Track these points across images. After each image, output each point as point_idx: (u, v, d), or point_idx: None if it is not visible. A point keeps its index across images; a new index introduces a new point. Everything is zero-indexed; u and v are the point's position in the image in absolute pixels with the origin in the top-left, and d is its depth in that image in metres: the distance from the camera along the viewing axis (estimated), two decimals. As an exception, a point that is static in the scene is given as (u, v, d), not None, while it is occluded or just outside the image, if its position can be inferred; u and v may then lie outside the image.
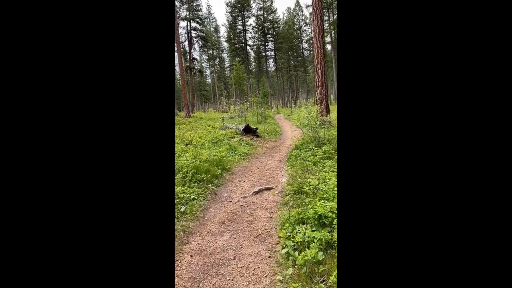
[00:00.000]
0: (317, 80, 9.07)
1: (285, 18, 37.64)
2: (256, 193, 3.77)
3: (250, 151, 6.64)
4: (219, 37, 40.29)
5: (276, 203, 3.27)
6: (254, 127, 8.67)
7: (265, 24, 33.08)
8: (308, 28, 34.10)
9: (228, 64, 37.76)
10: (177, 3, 23.64)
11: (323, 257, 1.83)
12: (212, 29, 39.17)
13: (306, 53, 35.47)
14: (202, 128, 10.84)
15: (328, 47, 27.55)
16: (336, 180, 3.04)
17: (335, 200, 2.48)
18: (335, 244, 1.91)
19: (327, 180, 3.23)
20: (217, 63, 40.00)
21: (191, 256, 2.27)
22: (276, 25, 33.75)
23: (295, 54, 35.22)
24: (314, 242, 1.99)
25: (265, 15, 32.99)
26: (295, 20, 35.14)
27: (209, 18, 38.99)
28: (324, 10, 21.47)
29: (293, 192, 3.30)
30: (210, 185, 4.07)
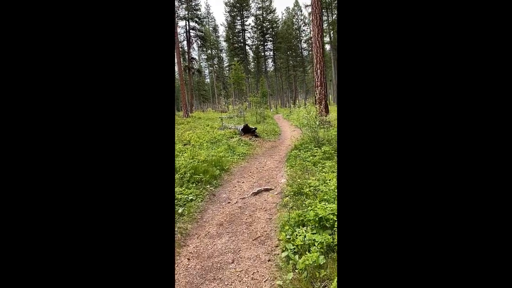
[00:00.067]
0: (316, 80, 9.02)
1: (284, 18, 37.60)
2: (255, 194, 3.71)
3: (249, 151, 6.58)
4: (218, 36, 40.22)
5: (276, 205, 3.22)
6: (253, 127, 8.62)
7: (264, 24, 33.03)
8: (307, 28, 34.09)
9: (227, 63, 37.70)
10: (175, 3, 23.56)
11: (324, 261, 1.78)
12: (211, 28, 39.08)
13: (305, 53, 35.47)
14: (200, 128, 10.77)
15: (327, 47, 27.52)
16: (336, 181, 2.99)
17: (336, 201, 2.43)
18: (337, 248, 1.86)
19: (328, 181, 3.18)
20: (216, 62, 39.91)
21: (188, 259, 2.22)
22: (275, 25, 33.70)
23: (294, 54, 35.20)
24: (315, 245, 1.93)
25: (264, 15, 32.94)
26: (294, 20, 35.12)
27: (208, 18, 38.90)
28: (323, 10, 21.45)
29: (292, 193, 3.25)
30: (208, 186, 4.01)
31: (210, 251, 2.31)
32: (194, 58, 28.34)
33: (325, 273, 1.71)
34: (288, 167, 4.71)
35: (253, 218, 2.93)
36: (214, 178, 4.34)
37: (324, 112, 8.34)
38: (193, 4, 25.83)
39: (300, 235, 2.11)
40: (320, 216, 2.16)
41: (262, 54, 34.38)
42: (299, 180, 3.53)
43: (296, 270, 1.81)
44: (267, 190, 3.83)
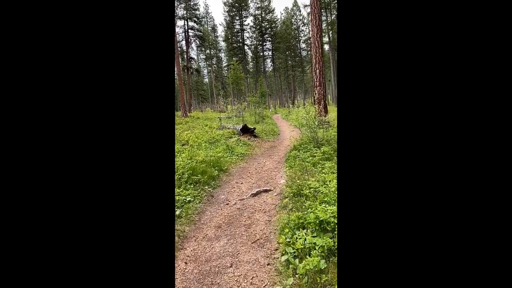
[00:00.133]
0: (315, 80, 8.99)
1: (283, 18, 37.58)
2: (254, 195, 3.66)
3: (248, 151, 6.53)
4: (217, 36, 40.13)
5: (275, 206, 3.16)
6: (252, 127, 8.56)
7: (263, 24, 32.98)
8: (306, 28, 34.09)
9: (226, 63, 37.63)
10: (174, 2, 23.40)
11: (326, 266, 1.73)
12: (209, 28, 38.99)
13: (304, 53, 35.45)
14: (199, 128, 10.70)
15: (326, 47, 27.52)
16: (336, 182, 2.94)
17: (337, 203, 2.38)
18: (338, 251, 1.81)
19: (328, 183, 3.13)
20: (214, 62, 39.82)
21: (185, 263, 2.16)
22: (274, 25, 33.66)
23: (292, 54, 35.17)
24: (315, 249, 1.88)
25: (263, 15, 32.89)
26: (293, 20, 35.09)
27: (207, 18, 38.80)
28: (322, 10, 21.45)
29: (292, 194, 3.20)
30: (206, 187, 3.96)
31: (208, 255, 2.25)
32: (193, 58, 28.26)
33: (326, 278, 1.66)
34: (287, 168, 4.66)
35: (252, 220, 2.88)
36: (213, 179, 4.28)
37: (323, 112, 8.30)
38: (192, 3, 25.74)
39: (300, 238, 2.06)
40: (321, 219, 2.11)
41: (261, 54, 34.34)
42: (298, 181, 3.48)
43: (297, 275, 1.75)
44: (266, 191, 3.77)
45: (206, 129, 10.08)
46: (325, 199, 2.58)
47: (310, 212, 2.31)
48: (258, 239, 2.45)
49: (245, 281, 1.87)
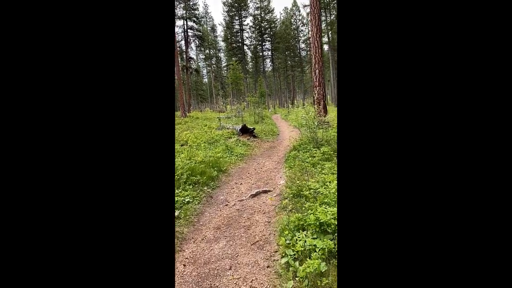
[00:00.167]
0: (315, 80, 8.97)
1: (282, 18, 37.54)
2: (254, 196, 3.63)
3: (247, 152, 6.50)
4: (216, 36, 40.07)
5: (274, 207, 3.14)
6: (251, 127, 8.54)
7: (262, 24, 32.95)
8: (305, 28, 34.08)
9: (225, 63, 37.58)
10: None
11: (326, 268, 1.70)
12: (209, 28, 38.94)
13: (303, 53, 35.45)
14: (198, 128, 10.67)
15: (325, 47, 27.51)
16: (336, 183, 2.92)
17: (337, 205, 2.36)
18: (338, 254, 1.78)
19: (328, 183, 3.11)
20: (214, 62, 39.77)
21: (184, 265, 2.13)
22: (273, 25, 33.64)
23: (292, 54, 35.15)
24: (315, 251, 1.86)
25: (262, 15, 32.86)
26: (292, 20, 35.07)
27: (206, 17, 38.74)
28: (321, 10, 21.41)
29: (292, 195, 3.18)
30: (205, 188, 3.93)
31: (206, 257, 2.22)
32: (192, 58, 28.19)
33: (327, 281, 1.64)
34: (286, 168, 4.64)
35: (251, 221, 2.85)
36: (212, 179, 4.25)
37: (323, 112, 8.28)
38: (191, 3, 25.69)
39: (300, 240, 2.04)
40: (321, 221, 2.08)
41: (260, 54, 34.31)
42: (298, 182, 3.46)
43: (297, 278, 1.73)
44: (265, 192, 3.75)
45: (205, 129, 10.05)
46: (325, 200, 2.55)
47: (310, 214, 2.29)
48: (258, 240, 2.42)
49: (245, 284, 1.84)
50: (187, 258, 2.23)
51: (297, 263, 1.83)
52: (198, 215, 3.12)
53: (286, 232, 2.20)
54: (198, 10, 26.61)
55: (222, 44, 38.30)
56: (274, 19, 33.85)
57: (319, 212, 2.22)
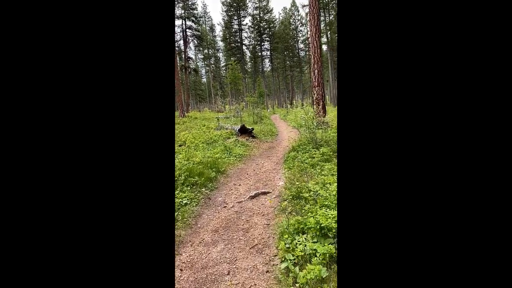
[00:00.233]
0: (314, 80, 8.93)
1: (281, 18, 37.50)
2: (252, 197, 3.58)
3: (246, 152, 6.45)
4: (215, 36, 39.96)
5: (274, 209, 3.09)
6: (250, 128, 8.48)
7: (261, 24, 32.90)
8: (304, 29, 34.07)
9: (224, 63, 37.52)
10: (172, 1, 23.22)
11: (327, 274, 1.66)
12: (207, 28, 38.83)
13: (302, 53, 35.42)
14: (196, 128, 10.60)
15: (324, 47, 27.50)
16: (336, 185, 2.87)
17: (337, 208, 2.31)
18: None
19: (327, 185, 3.06)
20: (212, 62, 39.67)
21: (181, 270, 2.08)
22: (272, 25, 33.59)
23: (291, 54, 35.11)
24: (316, 256, 1.81)
25: (261, 15, 32.81)
26: (291, 20, 35.04)
27: (205, 17, 38.63)
28: (320, 11, 21.39)
29: (291, 197, 3.13)
30: (203, 189, 3.87)
31: (204, 261, 2.17)
32: (191, 58, 28.11)
33: None
34: (286, 169, 4.59)
35: (250, 224, 2.80)
36: (210, 180, 4.20)
37: (322, 112, 8.25)
38: (190, 3, 25.60)
39: (300, 244, 1.99)
40: (322, 225, 2.03)
41: (259, 54, 34.26)
42: (297, 183, 3.41)
43: (297, 284, 1.68)
44: (264, 193, 3.70)
45: (204, 129, 9.98)
46: (326, 203, 2.51)
47: (310, 217, 2.24)
48: (257, 244, 2.37)
49: (243, 290, 1.79)
50: (184, 262, 2.18)
51: (297, 268, 1.78)
52: (196, 217, 3.06)
53: (286, 236, 2.15)
54: (196, 10, 26.50)
55: (220, 44, 38.22)
56: (273, 19, 33.82)
57: (319, 215, 2.17)
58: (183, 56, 25.18)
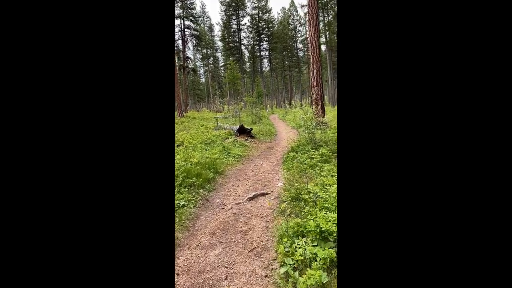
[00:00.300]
0: (313, 80, 8.89)
1: (279, 18, 37.48)
2: (251, 199, 3.53)
3: (245, 152, 6.40)
4: (213, 36, 39.86)
5: (272, 211, 3.04)
6: (249, 128, 8.43)
7: (260, 24, 32.85)
8: (303, 29, 34.05)
9: (223, 63, 37.43)
10: (170, 1, 23.11)
11: (328, 279, 1.61)
12: (206, 28, 38.73)
13: (301, 53, 35.40)
14: (195, 128, 10.53)
15: (323, 47, 27.47)
16: (336, 187, 2.83)
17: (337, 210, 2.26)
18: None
19: (327, 187, 3.01)
20: (211, 62, 39.57)
21: (177, 274, 2.02)
22: (271, 25, 33.55)
23: (289, 54, 35.08)
24: (316, 260, 1.76)
25: (260, 15, 32.77)
26: (290, 20, 35.02)
27: (203, 17, 38.52)
28: (319, 11, 21.32)
29: (290, 198, 3.08)
30: (201, 190, 3.82)
31: (201, 265, 2.11)
32: (189, 57, 28.01)
33: (328, 293, 1.54)
34: (285, 170, 4.54)
35: (248, 226, 2.75)
36: (208, 181, 4.14)
37: (321, 113, 8.21)
38: (188, 2, 25.50)
39: (299, 248, 1.94)
40: (322, 229, 1.98)
41: (258, 54, 34.20)
42: (296, 184, 3.36)
43: (297, 290, 1.63)
44: (263, 194, 3.65)
45: (202, 129, 9.92)
46: (325, 205, 2.46)
47: (310, 220, 2.19)
48: (255, 247, 2.32)
49: (241, 296, 1.74)
50: (180, 266, 2.12)
51: (296, 273, 1.73)
52: (193, 219, 3.01)
53: (285, 239, 2.10)
54: (195, 10, 26.43)
55: (219, 43, 38.12)
56: (272, 19, 33.78)
57: (319, 218, 2.12)
58: (182, 55, 25.08)
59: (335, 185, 2.95)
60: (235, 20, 32.53)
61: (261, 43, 34.06)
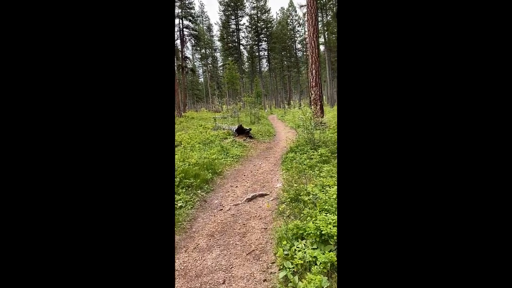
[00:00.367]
0: (311, 80, 8.86)
1: (278, 18, 37.48)
2: (250, 200, 3.48)
3: (243, 153, 6.35)
4: (212, 36, 39.79)
5: (271, 212, 3.00)
6: (247, 128, 8.39)
7: (259, 24, 32.82)
8: (302, 29, 34.07)
9: (221, 63, 37.38)
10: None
11: (328, 284, 1.56)
12: (205, 27, 38.65)
13: (299, 53, 35.40)
14: (193, 128, 10.47)
15: (321, 48, 27.47)
16: (336, 187, 2.79)
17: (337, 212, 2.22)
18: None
19: (327, 188, 2.97)
20: (209, 62, 39.50)
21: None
22: (270, 25, 33.53)
23: (288, 54, 35.08)
24: (316, 264, 1.72)
25: (259, 15, 32.74)
26: (289, 20, 35.01)
27: (202, 17, 38.45)
28: (317, 11, 21.34)
29: (289, 199, 3.04)
30: (199, 191, 3.77)
31: (199, 268, 2.06)
32: (188, 57, 27.90)
33: (329, 298, 1.50)
34: (283, 171, 4.50)
35: (247, 228, 2.70)
36: (206, 182, 4.09)
37: (320, 113, 8.18)
38: (187, 2, 25.43)
39: (299, 251, 1.89)
40: (323, 232, 1.94)
41: (257, 54, 34.16)
42: (295, 185, 3.32)
43: (296, 295, 1.58)
44: (262, 195, 3.60)
45: (200, 129, 9.86)
46: (325, 206, 2.42)
47: (310, 222, 2.15)
48: (254, 250, 2.27)
49: (239, 301, 1.69)
50: (177, 269, 2.07)
51: (296, 277, 1.68)
52: (191, 221, 2.96)
53: (284, 242, 2.06)
54: (193, 9, 26.36)
55: (218, 43, 38.05)
56: (271, 19, 33.76)
57: (319, 220, 2.08)
58: (180, 55, 25.01)
59: (335, 186, 2.91)
60: (234, 20, 32.48)
61: (260, 43, 34.03)
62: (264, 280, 1.84)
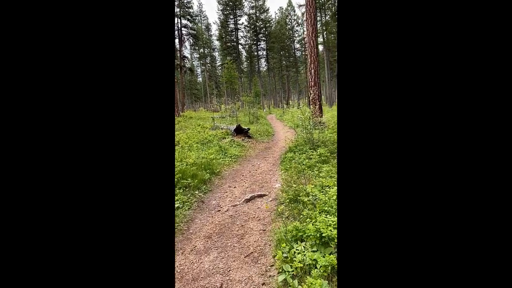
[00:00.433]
0: (310, 80, 8.82)
1: (277, 17, 37.40)
2: (248, 200, 3.43)
3: (242, 153, 6.30)
4: (211, 35, 39.68)
5: (270, 213, 2.95)
6: (246, 128, 8.34)
7: (257, 23, 32.74)
8: (300, 29, 34.03)
9: (220, 63, 37.28)
10: None
11: (329, 288, 1.52)
12: (203, 27, 38.53)
13: (298, 53, 35.36)
14: (191, 127, 10.40)
15: (320, 47, 27.44)
16: (336, 188, 2.74)
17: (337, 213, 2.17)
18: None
19: (326, 188, 2.93)
20: (208, 61, 39.38)
21: (170, 282, 1.92)
22: (268, 24, 33.45)
23: (287, 54, 35.02)
24: (316, 267, 1.67)
25: (257, 14, 32.65)
26: (287, 20, 34.96)
27: (200, 16, 38.33)
28: (316, 10, 21.29)
29: (288, 200, 2.99)
30: (197, 192, 3.71)
31: (195, 271, 2.01)
32: (186, 57, 27.79)
33: (330, 303, 1.45)
34: (282, 171, 4.46)
35: (245, 229, 2.65)
36: (204, 182, 4.04)
37: (319, 113, 8.14)
38: (185, 1, 25.31)
39: (298, 253, 1.85)
40: (323, 234, 1.89)
41: (255, 53, 34.08)
42: (294, 186, 3.28)
43: (296, 300, 1.54)
44: (260, 196, 3.55)
45: (199, 129, 9.79)
46: (325, 207, 2.37)
47: (309, 223, 2.10)
48: (252, 252, 2.22)
49: (237, 305, 1.64)
50: (174, 273, 2.02)
51: (296, 281, 1.64)
52: (188, 222, 2.90)
53: (283, 244, 2.01)
54: (192, 8, 26.23)
55: (216, 43, 37.93)
56: (269, 19, 33.68)
57: (319, 222, 2.03)
58: (179, 55, 24.90)
59: (335, 187, 2.87)
60: (233, 20, 32.39)
61: (259, 43, 33.96)
62: (263, 284, 1.79)
